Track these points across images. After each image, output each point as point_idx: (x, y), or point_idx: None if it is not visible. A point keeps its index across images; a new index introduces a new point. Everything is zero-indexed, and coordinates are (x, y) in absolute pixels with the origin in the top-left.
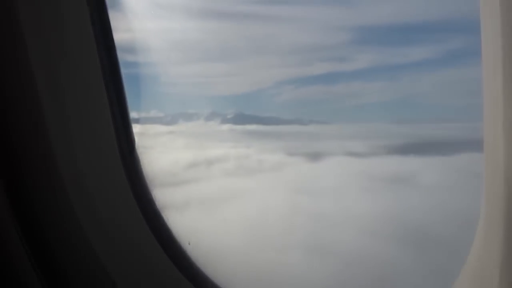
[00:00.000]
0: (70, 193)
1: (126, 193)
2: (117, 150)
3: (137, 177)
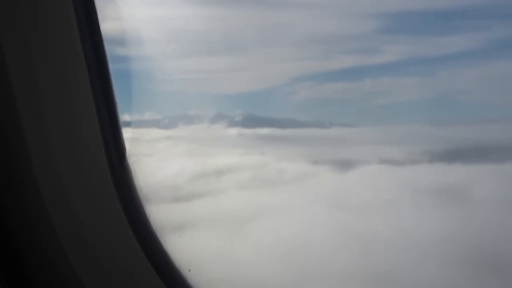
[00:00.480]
0: (49, 208)
1: (115, 210)
2: (104, 158)
3: (128, 191)
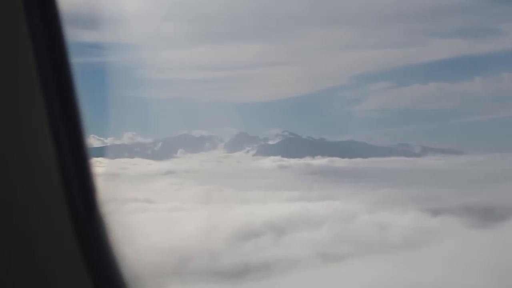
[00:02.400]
0: None
1: (79, 277)
2: (65, 208)
3: (100, 255)
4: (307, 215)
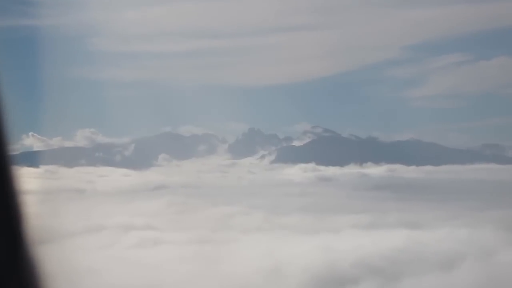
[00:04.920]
0: None
1: None
2: None
3: None
4: (410, 248)
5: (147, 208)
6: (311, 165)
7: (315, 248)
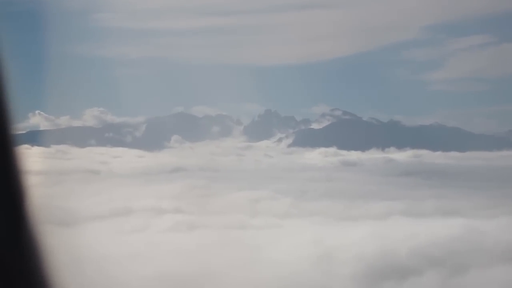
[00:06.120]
0: None
1: None
2: None
3: None
4: (468, 238)
5: (169, 191)
6: (333, 149)
7: (366, 235)
